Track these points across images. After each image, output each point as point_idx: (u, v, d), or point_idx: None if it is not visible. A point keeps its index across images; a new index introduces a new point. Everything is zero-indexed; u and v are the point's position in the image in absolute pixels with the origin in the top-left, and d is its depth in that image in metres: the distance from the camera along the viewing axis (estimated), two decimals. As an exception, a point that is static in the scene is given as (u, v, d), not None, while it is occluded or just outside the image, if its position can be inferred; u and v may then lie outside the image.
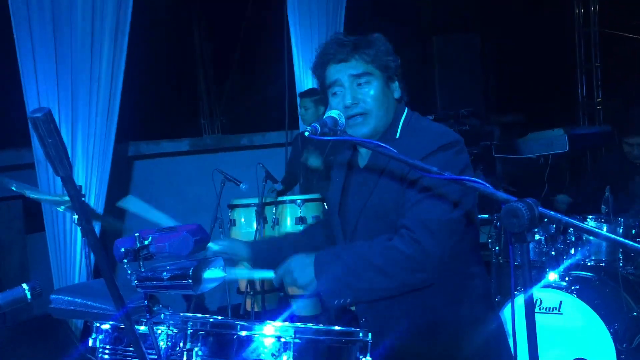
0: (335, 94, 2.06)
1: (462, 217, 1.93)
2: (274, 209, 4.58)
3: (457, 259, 2.00)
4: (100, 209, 4.46)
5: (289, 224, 4.48)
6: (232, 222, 4.70)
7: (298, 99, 5.21)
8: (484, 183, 1.52)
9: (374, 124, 2.03)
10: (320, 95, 5.27)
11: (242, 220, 4.67)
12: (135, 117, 5.67)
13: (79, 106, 4.29)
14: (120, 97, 4.44)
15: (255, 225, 4.48)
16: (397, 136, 2.04)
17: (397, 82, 2.10)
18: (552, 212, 1.43)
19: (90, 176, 4.41)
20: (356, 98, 2.02)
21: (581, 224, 1.41)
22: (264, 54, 7.16)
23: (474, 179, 1.54)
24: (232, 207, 4.74)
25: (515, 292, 3.16)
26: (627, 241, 1.30)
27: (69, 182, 1.08)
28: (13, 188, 2.25)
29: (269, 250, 2.27)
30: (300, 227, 4.45)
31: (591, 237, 4.02)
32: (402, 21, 7.84)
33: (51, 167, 1.07)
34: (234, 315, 4.55)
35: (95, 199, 4.45)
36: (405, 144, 1.82)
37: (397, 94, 2.11)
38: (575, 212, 5.31)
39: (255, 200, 4.53)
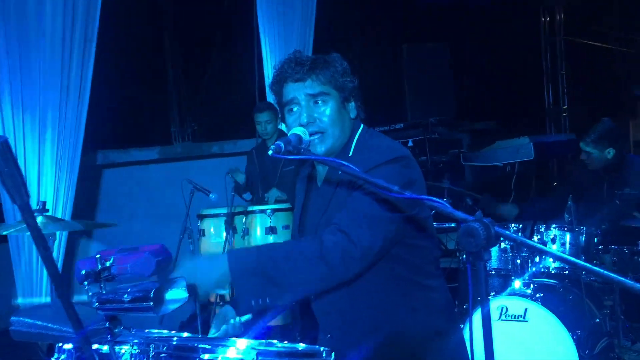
0: (291, 110, 2.10)
1: (398, 218, 1.95)
2: (244, 218, 4.58)
3: (412, 270, 2.05)
4: (67, 219, 4.42)
5: (258, 234, 4.48)
6: (202, 232, 4.68)
7: (256, 115, 5.16)
8: (443, 202, 1.56)
9: (330, 142, 2.07)
10: (275, 109, 5.34)
11: (212, 230, 4.66)
12: (105, 125, 5.63)
13: (48, 114, 4.26)
14: (89, 105, 4.42)
15: (224, 235, 4.47)
16: (351, 154, 2.08)
17: (353, 102, 2.14)
18: (507, 232, 1.47)
19: (58, 185, 4.37)
20: (312, 117, 2.05)
21: (534, 244, 1.45)
22: (235, 62, 7.16)
23: (433, 198, 1.57)
24: (202, 217, 4.72)
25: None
26: (576, 260, 1.34)
27: (26, 210, 1.08)
28: None
29: None
30: (270, 237, 4.45)
31: (555, 245, 4.11)
32: (372, 30, 7.91)
33: (8, 195, 1.07)
34: (204, 326, 4.52)
35: (62, 208, 4.41)
36: (357, 160, 1.86)
37: (353, 113, 2.15)
38: (542, 220, 5.43)
39: (224, 210, 4.52)
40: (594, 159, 4.54)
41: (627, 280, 1.33)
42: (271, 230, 4.44)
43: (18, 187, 1.06)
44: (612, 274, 1.35)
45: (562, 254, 1.35)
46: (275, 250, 1.91)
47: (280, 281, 1.83)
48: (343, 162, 1.75)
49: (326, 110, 2.06)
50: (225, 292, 4.23)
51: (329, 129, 2.06)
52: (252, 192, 5.29)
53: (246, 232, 4.50)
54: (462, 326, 3.70)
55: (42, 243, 1.12)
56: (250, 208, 4.65)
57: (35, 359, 3.37)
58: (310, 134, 2.04)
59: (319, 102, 2.06)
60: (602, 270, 1.29)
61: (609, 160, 4.52)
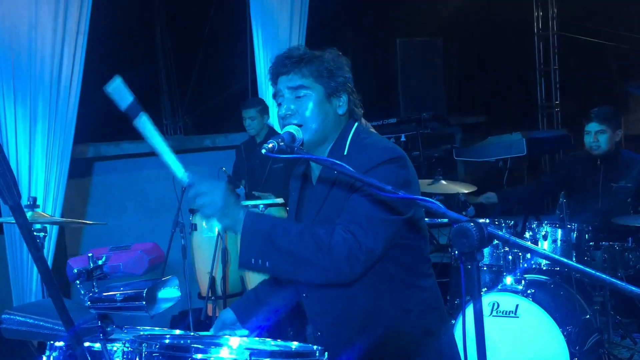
0: (279, 104, 2.11)
1: (398, 221, 1.96)
2: (236, 213, 4.55)
3: (405, 270, 2.05)
4: (58, 212, 4.40)
5: (251, 229, 4.46)
6: (194, 227, 4.66)
7: (242, 111, 5.21)
8: (437, 202, 1.56)
9: (308, 137, 2.05)
10: (263, 105, 5.33)
11: (204, 224, 4.63)
12: (96, 118, 5.58)
13: (39, 106, 4.23)
14: (80, 98, 4.40)
15: (216, 230, 4.46)
16: (345, 152, 2.07)
17: (344, 98, 2.12)
18: (500, 233, 1.47)
19: (49, 177, 4.36)
20: (290, 109, 2.05)
21: (525, 244, 1.46)
22: (227, 55, 7.12)
23: (426, 198, 1.57)
24: (194, 211, 4.70)
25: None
26: (567, 261, 1.34)
27: (17, 210, 1.07)
28: None
29: (251, 306, 2.28)
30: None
31: (547, 241, 4.13)
32: (365, 24, 7.89)
33: (-1, 195, 1.06)
34: (195, 320, 4.52)
35: (53, 201, 4.39)
36: (352, 160, 1.85)
37: (342, 109, 2.12)
38: (533, 214, 5.45)
39: (217, 205, 4.48)
40: (605, 140, 4.43)
41: (609, 278, 1.34)
42: (264, 225, 4.42)
43: (9, 187, 1.04)
44: (601, 274, 1.35)
45: (558, 257, 1.36)
46: (291, 225, 1.93)
47: (284, 251, 1.84)
48: (337, 162, 1.74)
49: (307, 104, 2.05)
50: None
51: (307, 123, 2.05)
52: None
53: (238, 226, 4.48)
54: (453, 321, 3.74)
55: (34, 243, 1.11)
56: (243, 203, 4.63)
57: (25, 356, 3.36)
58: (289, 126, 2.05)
59: (300, 95, 2.06)
60: (591, 271, 1.30)
61: (614, 146, 4.48)
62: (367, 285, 2.01)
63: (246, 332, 2.09)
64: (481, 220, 1.48)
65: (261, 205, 4.45)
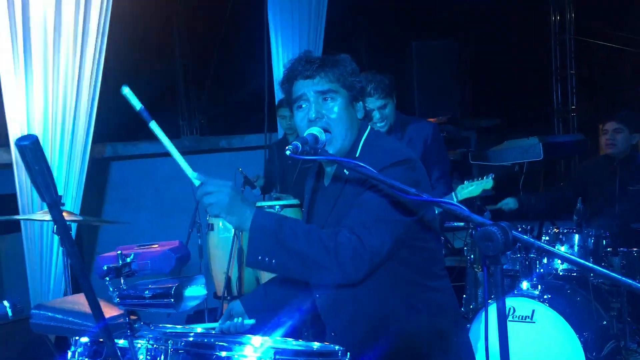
0: (300, 107, 2.12)
1: (406, 222, 1.97)
2: (253, 214, 4.57)
3: (415, 271, 2.06)
4: (77, 211, 4.45)
5: (267, 230, 4.48)
6: (210, 227, 4.69)
7: (280, 109, 5.21)
8: (460, 205, 1.57)
9: (339, 144, 2.08)
10: None
11: (220, 224, 4.66)
12: (113, 118, 5.63)
13: (59, 106, 4.27)
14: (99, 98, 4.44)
15: (233, 230, 4.48)
16: (357, 154, 2.10)
17: (361, 102, 2.17)
18: (525, 237, 1.47)
19: (68, 177, 4.39)
20: (320, 112, 2.07)
21: (551, 249, 1.47)
22: (244, 56, 7.16)
23: (450, 201, 1.58)
24: (210, 211, 4.72)
25: (490, 301, 3.22)
26: (596, 267, 1.35)
27: (54, 207, 1.10)
28: None
29: (259, 300, 2.32)
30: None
31: (563, 246, 4.12)
32: (381, 26, 7.90)
33: (37, 193, 1.09)
34: (211, 320, 4.55)
35: (72, 200, 4.43)
36: (363, 161, 1.88)
37: (360, 113, 2.17)
38: (549, 219, 5.43)
39: (233, 205, 4.51)
40: (621, 140, 4.45)
41: (635, 283, 1.34)
42: (280, 226, 4.44)
43: (47, 185, 1.07)
44: (623, 277, 1.36)
45: (585, 262, 1.36)
46: (298, 225, 1.92)
47: (291, 250, 1.84)
48: (359, 163, 1.75)
49: (334, 107, 2.08)
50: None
51: (336, 127, 2.07)
52: (267, 189, 5.28)
53: (255, 227, 4.50)
54: (469, 325, 3.73)
55: (68, 239, 1.14)
56: (259, 204, 4.65)
57: (43, 352, 3.40)
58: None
59: (328, 99, 2.09)
60: (623, 278, 1.30)
61: (629, 149, 4.49)
62: (377, 285, 2.02)
63: (253, 321, 2.11)
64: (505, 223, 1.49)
65: (277, 206, 4.47)
